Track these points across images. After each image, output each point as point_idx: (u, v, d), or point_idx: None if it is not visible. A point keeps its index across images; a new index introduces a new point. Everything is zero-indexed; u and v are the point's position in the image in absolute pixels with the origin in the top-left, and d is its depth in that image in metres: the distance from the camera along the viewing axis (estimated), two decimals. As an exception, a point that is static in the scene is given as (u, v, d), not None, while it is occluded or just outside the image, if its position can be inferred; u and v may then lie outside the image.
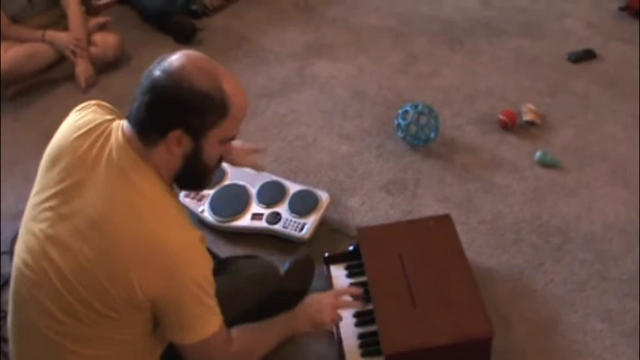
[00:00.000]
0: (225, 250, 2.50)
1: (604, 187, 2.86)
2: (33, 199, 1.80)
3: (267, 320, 2.05)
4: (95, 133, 1.74)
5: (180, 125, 1.65)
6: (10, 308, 1.86)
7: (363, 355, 2.15)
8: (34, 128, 3.44)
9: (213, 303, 1.75)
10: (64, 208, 1.70)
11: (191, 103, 1.64)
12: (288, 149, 3.12)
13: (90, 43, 3.73)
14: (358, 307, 2.22)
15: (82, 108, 1.86)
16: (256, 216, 2.67)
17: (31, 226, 1.76)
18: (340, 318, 2.14)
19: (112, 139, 1.71)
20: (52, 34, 3.64)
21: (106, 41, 3.78)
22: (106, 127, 1.75)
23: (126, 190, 1.66)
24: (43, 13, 3.70)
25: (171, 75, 1.64)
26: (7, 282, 2.57)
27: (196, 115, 1.66)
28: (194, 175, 1.80)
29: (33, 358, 1.84)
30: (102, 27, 3.84)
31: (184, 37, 3.97)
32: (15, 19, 3.60)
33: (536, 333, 2.33)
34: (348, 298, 2.21)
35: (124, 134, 1.71)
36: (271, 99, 3.43)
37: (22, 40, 3.59)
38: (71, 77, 3.71)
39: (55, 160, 1.77)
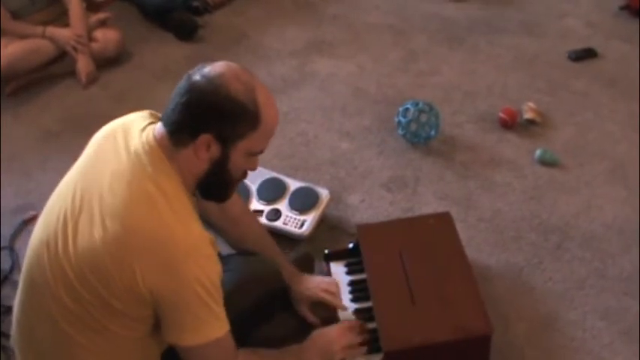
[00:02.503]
0: (224, 248, 2.50)
1: (603, 185, 2.87)
2: (66, 176, 1.86)
3: (275, 350, 2.04)
4: (132, 131, 1.80)
5: (212, 130, 1.70)
6: (19, 292, 1.87)
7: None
8: (34, 124, 3.45)
9: (218, 308, 1.75)
10: (84, 191, 1.74)
11: (225, 110, 1.69)
12: (288, 146, 3.12)
13: (91, 39, 3.73)
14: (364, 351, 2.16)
15: (139, 112, 1.91)
16: (256, 213, 2.66)
17: (54, 203, 1.81)
18: (352, 350, 2.12)
19: (143, 137, 1.76)
20: (52, 30, 3.64)
21: (106, 37, 3.78)
22: (142, 127, 1.80)
23: (147, 183, 1.70)
24: (44, 10, 3.69)
25: (210, 80, 1.69)
26: (7, 277, 2.59)
27: (229, 123, 1.70)
28: (217, 183, 1.83)
29: (40, 346, 1.85)
30: (103, 23, 3.83)
31: (185, 34, 3.97)
32: (15, 15, 3.60)
33: (535, 330, 2.33)
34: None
35: (154, 134, 1.75)
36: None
37: (22, 36, 3.60)
38: (72, 73, 3.71)
39: (92, 143, 1.87)
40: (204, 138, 1.70)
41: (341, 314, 2.26)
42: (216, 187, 1.84)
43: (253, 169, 1.89)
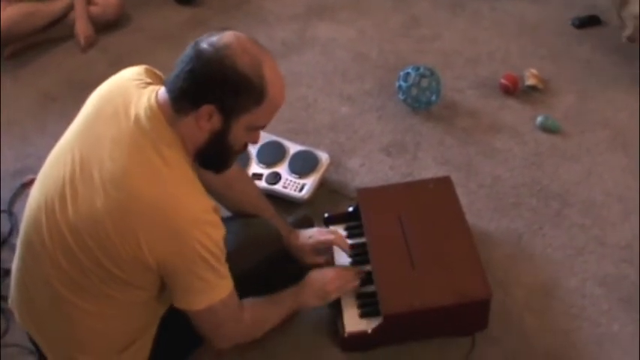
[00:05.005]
0: (224, 211, 2.49)
1: (604, 153, 2.85)
2: (63, 138, 1.84)
3: (274, 294, 2.07)
4: (131, 92, 1.78)
5: (215, 101, 1.67)
6: (17, 255, 1.87)
7: (361, 315, 2.16)
8: (33, 87, 3.43)
9: (223, 269, 1.76)
10: (83, 155, 1.72)
11: (230, 82, 1.66)
12: (288, 110, 3.08)
13: (90, 2, 3.70)
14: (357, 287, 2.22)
15: (134, 68, 1.89)
16: (256, 176, 2.66)
17: (52, 167, 1.79)
18: (346, 290, 2.18)
19: (144, 101, 1.73)
20: (51, -7, 3.61)
21: (106, 1, 3.74)
22: (142, 88, 1.78)
23: (148, 150, 1.68)
24: (42, -28, 3.66)
25: (217, 50, 1.66)
26: (5, 240, 2.59)
27: (232, 95, 1.67)
28: (216, 154, 1.81)
29: (38, 309, 1.86)
30: (102, -14, 3.80)
31: (185, -2, 3.94)
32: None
33: (534, 296, 2.33)
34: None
35: (157, 99, 1.72)
36: (272, 60, 3.40)
37: (21, -1, 3.57)
38: (71, 36, 3.68)
39: (89, 104, 1.84)
40: (207, 108, 1.68)
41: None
42: (214, 157, 1.83)
43: (254, 142, 1.88)
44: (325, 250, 2.31)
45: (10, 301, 1.97)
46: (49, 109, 3.29)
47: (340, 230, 2.42)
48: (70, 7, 3.66)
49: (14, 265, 1.90)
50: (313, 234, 2.29)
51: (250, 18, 3.79)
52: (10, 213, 2.72)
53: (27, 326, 1.93)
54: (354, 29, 3.66)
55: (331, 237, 2.28)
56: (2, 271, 2.44)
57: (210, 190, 2.11)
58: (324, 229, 2.37)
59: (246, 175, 2.49)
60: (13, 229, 2.63)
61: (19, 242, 1.86)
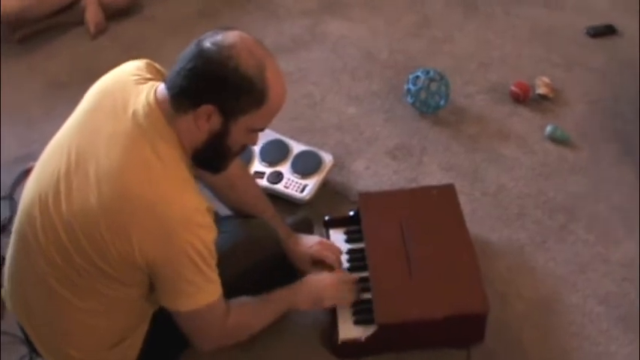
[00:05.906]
0: (224, 209, 2.48)
1: (612, 167, 2.81)
2: (61, 131, 1.83)
3: (266, 295, 2.03)
4: (130, 87, 1.76)
5: (215, 102, 1.65)
6: (11, 246, 1.86)
7: (356, 322, 2.13)
8: (40, 73, 3.43)
9: (212, 273, 1.74)
10: (80, 150, 1.70)
11: (231, 83, 1.64)
12: (294, 108, 3.06)
13: (101, -12, 3.68)
14: (356, 297, 2.19)
15: (135, 62, 1.87)
16: (258, 174, 2.63)
17: (48, 160, 1.77)
18: (341, 301, 2.16)
19: (143, 97, 1.71)
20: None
21: (117, -12, 3.73)
22: (141, 84, 1.76)
23: (145, 148, 1.66)
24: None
25: (220, 50, 1.64)
26: (5, 227, 2.57)
27: (233, 97, 1.65)
28: (214, 155, 1.79)
29: (30, 301, 1.85)
30: (114, -27, 3.78)
31: (197, -12, 3.91)
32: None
33: (533, 311, 2.30)
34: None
35: (156, 96, 1.70)
36: (280, 55, 3.34)
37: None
38: (81, 22, 3.66)
39: (88, 98, 1.82)
40: (206, 108, 1.66)
41: None
42: (212, 158, 1.81)
43: (253, 144, 1.86)
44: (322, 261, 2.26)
45: (3, 291, 1.96)
46: (56, 95, 3.28)
47: (340, 234, 2.40)
48: (82, -7, 3.64)
49: (8, 256, 1.89)
50: (314, 244, 2.26)
51: (261, 11, 3.75)
52: (11, 199, 2.72)
53: (18, 316, 1.92)
54: (366, 27, 3.62)
55: (330, 256, 2.24)
56: (1, 259, 2.43)
57: (212, 188, 2.10)
58: (325, 241, 2.31)
59: (249, 174, 2.47)
60: (13, 216, 2.61)
61: (12, 234, 1.85)
